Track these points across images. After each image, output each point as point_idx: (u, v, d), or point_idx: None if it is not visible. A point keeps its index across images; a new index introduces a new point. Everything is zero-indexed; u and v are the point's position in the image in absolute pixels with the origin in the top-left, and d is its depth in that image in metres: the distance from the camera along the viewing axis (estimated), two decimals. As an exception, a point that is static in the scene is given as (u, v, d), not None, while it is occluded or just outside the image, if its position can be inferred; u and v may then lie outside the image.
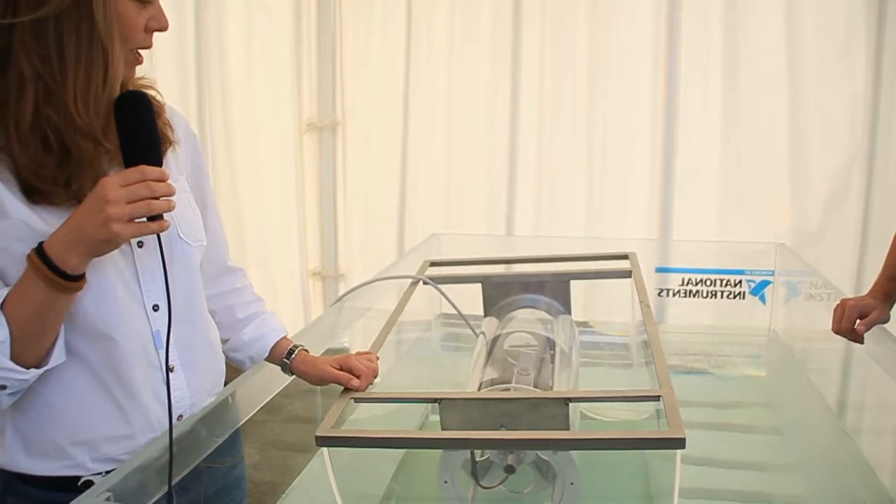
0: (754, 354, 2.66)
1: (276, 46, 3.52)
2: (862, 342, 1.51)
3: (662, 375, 1.10)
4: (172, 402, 1.05)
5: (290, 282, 3.69)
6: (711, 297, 2.67)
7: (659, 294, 2.71)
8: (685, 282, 2.70)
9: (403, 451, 1.76)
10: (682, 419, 0.95)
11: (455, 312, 1.70)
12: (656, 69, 3.19)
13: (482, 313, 1.82)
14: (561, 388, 1.33)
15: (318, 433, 1.05)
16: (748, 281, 2.62)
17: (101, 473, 1.02)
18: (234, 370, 1.27)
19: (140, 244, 1.02)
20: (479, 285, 1.83)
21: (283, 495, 1.68)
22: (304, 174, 3.71)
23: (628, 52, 3.21)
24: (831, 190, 3.09)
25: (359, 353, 1.28)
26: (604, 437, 0.99)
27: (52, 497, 1.01)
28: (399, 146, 3.54)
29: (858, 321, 1.50)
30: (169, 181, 0.94)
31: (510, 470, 1.15)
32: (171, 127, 1.09)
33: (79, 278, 0.91)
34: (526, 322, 1.71)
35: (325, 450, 1.13)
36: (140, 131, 0.95)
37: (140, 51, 1.00)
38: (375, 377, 1.24)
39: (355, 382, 1.19)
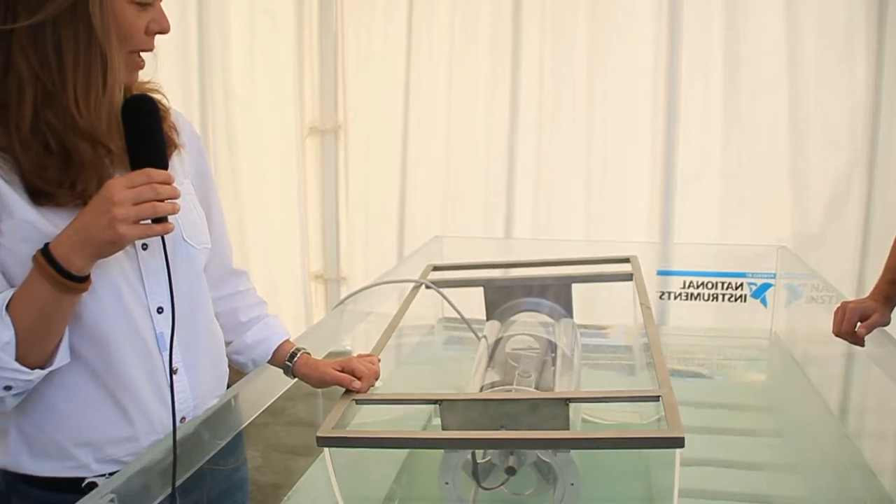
0: (755, 357, 2.66)
1: (279, 50, 3.53)
2: (862, 345, 1.51)
3: (662, 376, 1.11)
4: (176, 404, 1.06)
5: (292, 285, 3.70)
6: (713, 300, 2.68)
7: (661, 297, 2.72)
8: (686, 285, 2.70)
9: (405, 453, 1.77)
10: (681, 419, 0.95)
11: (457, 316, 1.70)
12: (657, 72, 3.19)
13: (484, 317, 1.83)
14: (562, 390, 1.33)
15: (320, 434, 1.06)
16: (749, 284, 2.62)
17: (104, 475, 1.02)
18: (236, 372, 1.28)
19: (145, 246, 1.03)
20: (482, 289, 1.83)
21: (286, 498, 1.69)
22: (307, 177, 3.72)
23: (628, 54, 3.22)
24: (832, 193, 3.09)
25: (360, 356, 1.28)
26: (603, 437, 1.00)
27: (55, 498, 1.02)
28: (400, 149, 3.55)
29: (859, 324, 1.50)
30: (174, 184, 0.95)
31: (511, 471, 1.16)
32: (176, 130, 1.10)
33: (84, 279, 0.92)
34: (528, 325, 1.71)
35: (327, 451, 1.14)
36: (146, 135, 0.96)
37: (143, 53, 1.01)
38: (377, 379, 1.24)
39: (357, 384, 1.20)
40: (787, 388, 2.34)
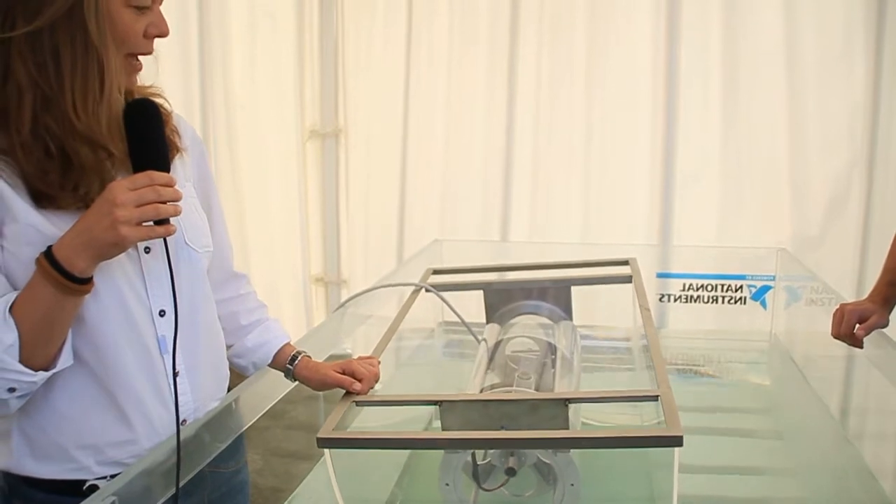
0: (755, 360, 2.66)
1: (279, 53, 3.54)
2: (861, 347, 1.51)
3: (661, 376, 1.11)
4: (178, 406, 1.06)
5: (292, 288, 3.70)
6: (712, 303, 2.68)
7: (660, 299, 2.72)
8: (686, 287, 2.70)
9: (406, 456, 1.77)
10: (680, 418, 0.96)
11: (457, 319, 1.71)
12: (655, 73, 3.19)
13: (484, 320, 1.83)
14: (562, 391, 1.34)
15: (320, 435, 1.06)
16: (749, 286, 2.63)
17: (106, 477, 1.03)
18: (237, 375, 1.28)
19: (147, 249, 1.03)
20: (482, 292, 1.84)
21: (287, 501, 1.69)
22: (307, 180, 3.73)
23: (627, 55, 3.22)
24: (832, 194, 3.09)
25: (361, 358, 1.29)
26: (603, 436, 1.00)
27: (57, 500, 1.02)
28: (400, 152, 3.56)
29: (858, 326, 1.50)
30: (176, 187, 0.96)
31: (511, 472, 1.16)
32: (178, 134, 1.11)
33: (86, 281, 0.93)
34: (527, 327, 1.72)
35: (327, 453, 1.14)
36: (148, 139, 0.97)
37: (142, 57, 1.01)
38: (377, 381, 1.25)
39: (357, 386, 1.20)
40: (786, 391, 2.34)
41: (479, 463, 1.19)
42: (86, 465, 1.02)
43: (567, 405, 1.07)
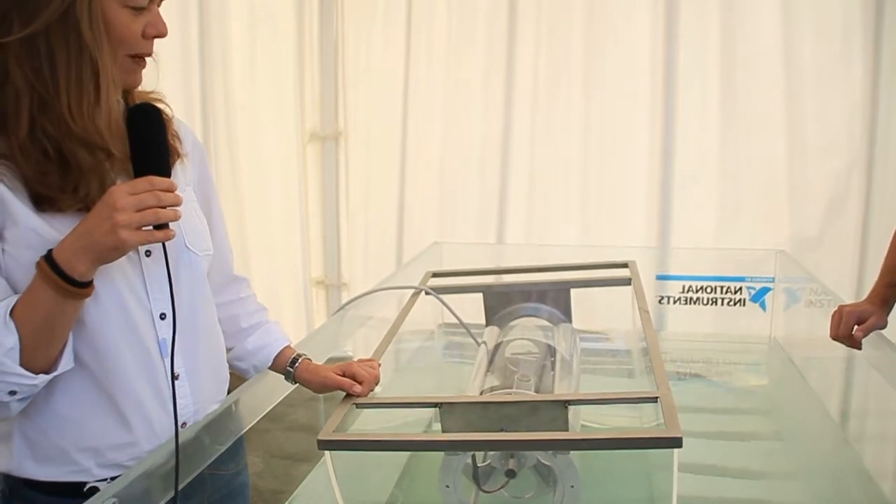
0: (755, 361, 2.67)
1: (279, 56, 3.55)
2: (860, 348, 1.51)
3: (660, 378, 1.11)
4: (177, 409, 1.06)
5: (293, 290, 3.71)
6: (712, 305, 2.68)
7: (660, 301, 2.72)
8: (686, 289, 2.71)
9: (406, 458, 1.77)
10: (679, 420, 0.96)
11: (457, 322, 1.71)
12: (653, 74, 3.20)
13: (484, 322, 1.83)
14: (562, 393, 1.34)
15: (321, 437, 1.06)
16: (748, 288, 2.63)
17: (106, 479, 1.03)
18: (237, 378, 1.28)
19: (148, 253, 1.04)
20: (481, 295, 1.84)
21: (287, 503, 1.69)
22: (307, 183, 3.74)
23: (625, 58, 3.23)
24: (830, 196, 3.09)
25: (361, 361, 1.29)
26: (602, 438, 1.00)
27: (58, 502, 1.03)
28: (400, 155, 3.57)
29: (856, 327, 1.50)
30: (176, 192, 0.96)
31: (511, 474, 1.16)
32: (179, 139, 1.11)
33: (87, 285, 0.93)
34: (527, 330, 1.72)
35: (327, 455, 1.14)
36: (150, 143, 0.97)
37: (145, 58, 1.02)
38: (377, 384, 1.25)
39: (357, 388, 1.20)
40: (786, 393, 2.34)
41: (479, 465, 1.19)
42: (86, 468, 1.03)
43: (567, 407, 1.07)
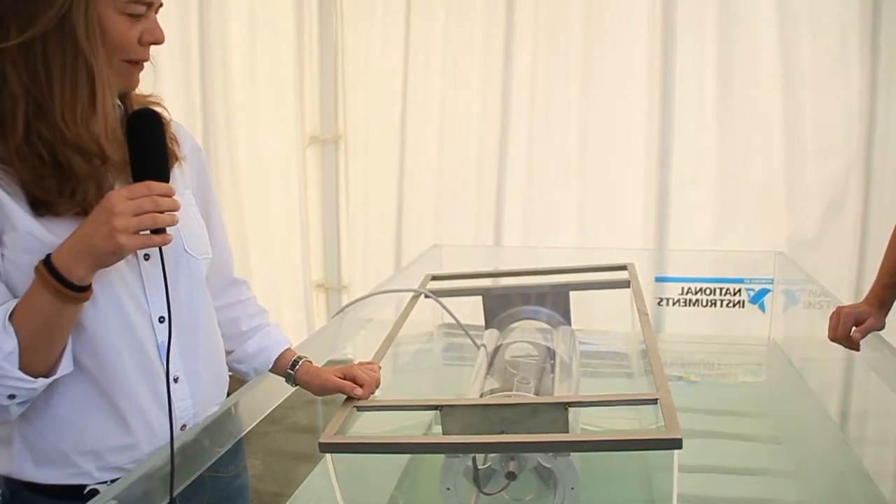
0: (754, 363, 2.67)
1: (279, 59, 3.56)
2: (858, 349, 1.52)
3: (660, 379, 1.12)
4: (176, 411, 1.07)
5: (293, 293, 3.71)
6: (711, 306, 2.69)
7: (659, 303, 2.73)
8: (685, 291, 2.71)
9: (406, 460, 1.77)
10: (679, 421, 0.96)
11: (457, 324, 1.71)
12: (651, 77, 3.20)
13: (483, 324, 1.83)
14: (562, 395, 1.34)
15: (322, 440, 1.06)
16: (747, 290, 2.64)
17: (106, 482, 1.03)
18: (236, 380, 1.28)
19: (146, 257, 1.04)
20: (480, 298, 1.84)
21: (286, 505, 1.69)
22: (308, 187, 3.74)
23: (622, 60, 3.23)
24: (829, 197, 3.09)
25: (361, 363, 1.29)
26: (603, 439, 1.01)
27: (58, 505, 1.03)
28: (399, 158, 3.57)
29: (854, 328, 1.51)
30: (175, 196, 0.97)
31: (511, 477, 1.16)
32: (177, 143, 1.11)
33: (85, 289, 0.93)
34: (526, 332, 1.72)
35: (328, 457, 1.14)
36: (149, 148, 0.97)
37: (142, 62, 1.02)
38: (378, 386, 1.25)
39: (358, 391, 1.21)
40: (785, 394, 2.35)
41: (479, 467, 1.19)
42: (86, 471, 1.03)
43: (567, 409, 1.08)
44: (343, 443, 1.08)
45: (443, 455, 1.19)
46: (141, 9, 0.98)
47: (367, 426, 1.40)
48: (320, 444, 1.07)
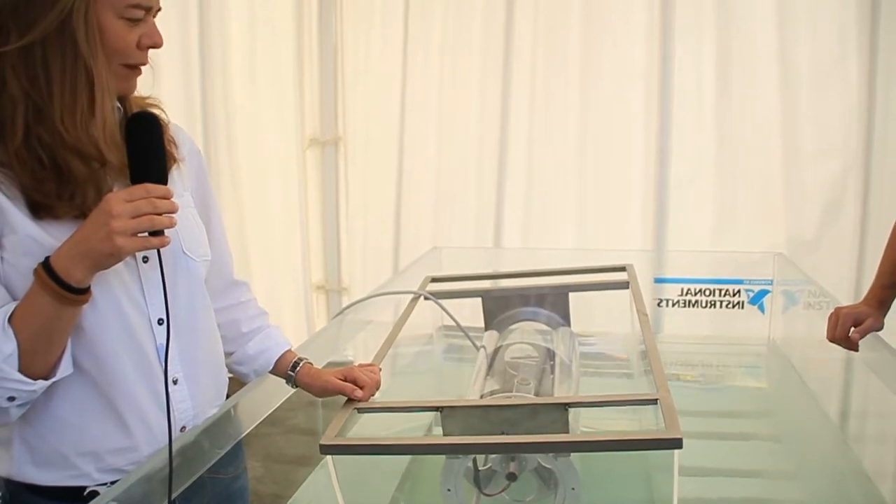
0: (754, 364, 2.67)
1: (279, 61, 3.56)
2: (856, 350, 1.52)
3: (659, 380, 1.12)
4: (175, 413, 1.07)
5: (293, 295, 3.71)
6: (710, 307, 2.69)
7: (658, 304, 2.73)
8: (684, 292, 2.71)
9: (407, 462, 1.77)
10: (679, 421, 0.97)
11: (456, 326, 1.71)
12: (650, 78, 3.21)
13: (483, 326, 1.84)
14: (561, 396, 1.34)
15: (323, 442, 1.06)
16: (747, 291, 2.64)
17: (106, 484, 1.03)
18: (236, 382, 1.28)
19: (145, 259, 1.04)
20: (480, 300, 1.84)
21: (286, 507, 1.69)
22: (308, 188, 3.74)
23: (621, 61, 3.24)
24: (827, 198, 3.10)
25: (361, 365, 1.29)
26: (603, 440, 1.01)
27: (58, 507, 1.03)
28: (397, 159, 3.57)
29: (853, 329, 1.51)
30: (173, 198, 0.97)
31: (512, 478, 1.16)
32: (175, 144, 1.12)
33: (84, 291, 0.94)
34: (526, 334, 1.72)
35: (329, 459, 1.14)
36: (148, 151, 0.98)
37: (141, 66, 1.03)
38: (378, 388, 1.25)
39: (359, 393, 1.21)
40: (785, 395, 2.35)
41: (480, 468, 1.19)
42: (86, 472, 1.03)
43: (567, 409, 1.08)
44: (344, 444, 1.08)
45: (443, 456, 1.19)
46: (140, 13, 0.98)
47: (368, 428, 1.40)
48: (321, 446, 1.07)
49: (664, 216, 3.24)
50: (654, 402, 1.05)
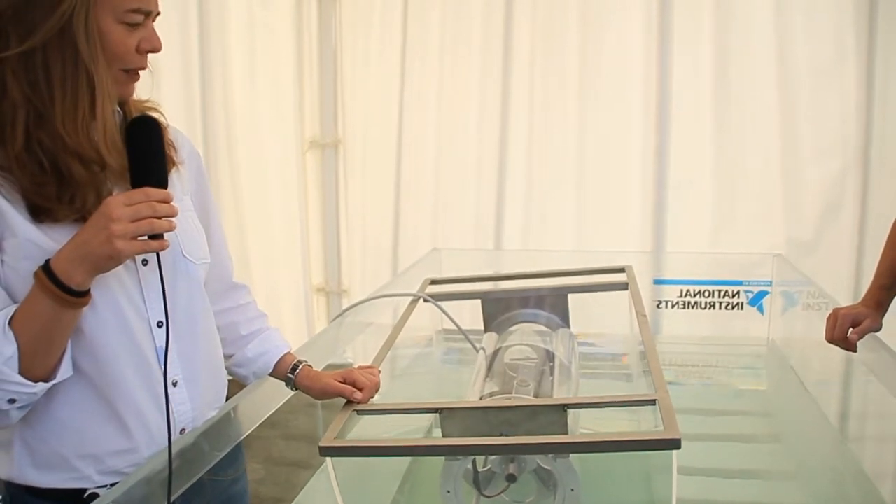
0: (753, 365, 2.67)
1: (279, 64, 3.57)
2: (855, 350, 1.52)
3: (658, 380, 1.12)
4: (175, 415, 1.07)
5: (294, 298, 3.71)
6: (710, 308, 2.69)
7: (658, 306, 2.73)
8: (684, 293, 2.72)
9: (406, 464, 1.77)
10: (677, 421, 0.97)
11: (456, 328, 1.72)
12: (648, 80, 3.21)
13: (482, 328, 1.84)
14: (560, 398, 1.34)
15: (322, 444, 1.07)
16: (746, 292, 2.64)
17: (106, 486, 1.04)
18: (236, 384, 1.29)
19: (145, 262, 1.05)
20: (479, 301, 1.84)
21: (287, 510, 1.69)
22: (308, 191, 3.75)
23: (619, 64, 3.24)
24: (826, 199, 3.10)
25: (361, 367, 1.29)
26: (601, 440, 1.01)
27: (59, 509, 1.03)
28: (396, 162, 3.58)
29: (851, 330, 1.51)
30: (173, 202, 0.97)
31: (511, 479, 1.16)
32: (174, 148, 1.12)
33: (84, 294, 0.94)
34: (525, 335, 1.72)
35: (329, 461, 1.15)
36: (148, 155, 0.98)
37: (139, 71, 1.03)
38: (377, 390, 1.25)
39: (358, 395, 1.21)
40: (784, 396, 2.35)
41: (479, 470, 1.20)
42: (86, 475, 1.03)
43: (566, 410, 1.08)
44: (343, 446, 1.08)
45: (443, 458, 1.19)
46: (139, 17, 0.99)
47: (368, 430, 1.41)
48: (320, 448, 1.07)
49: (663, 217, 3.24)
50: (652, 402, 1.05)
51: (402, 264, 3.52)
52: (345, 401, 1.22)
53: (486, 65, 3.39)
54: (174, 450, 1.01)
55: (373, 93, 3.59)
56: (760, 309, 2.63)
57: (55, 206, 0.96)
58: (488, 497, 1.19)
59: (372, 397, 1.23)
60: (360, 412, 1.19)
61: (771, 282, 2.60)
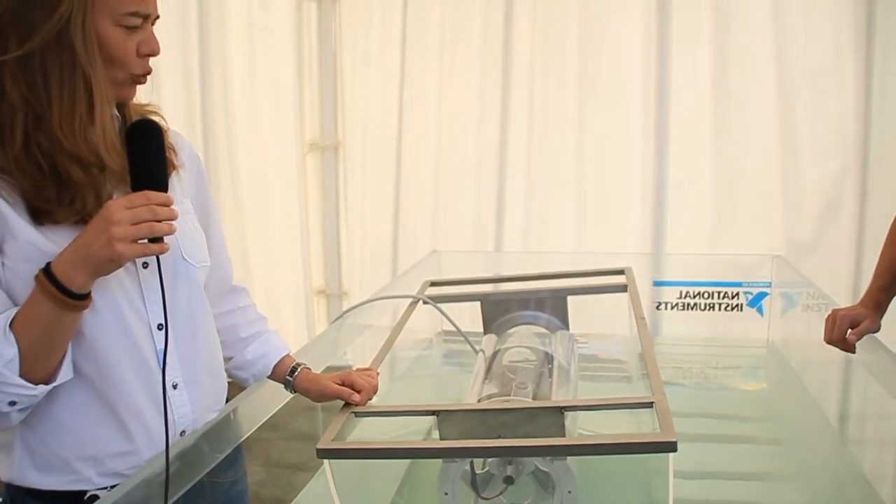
0: (753, 366, 2.67)
1: (279, 66, 3.57)
2: (854, 352, 1.52)
3: (655, 383, 1.12)
4: (175, 417, 1.08)
5: (294, 300, 3.72)
6: (709, 310, 2.69)
7: (657, 307, 2.73)
8: (683, 295, 2.72)
9: (405, 466, 1.78)
10: (674, 424, 0.97)
11: (455, 330, 1.72)
12: (647, 82, 3.21)
13: (482, 330, 1.84)
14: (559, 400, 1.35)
15: (319, 446, 1.07)
16: (745, 293, 2.64)
17: (106, 488, 1.04)
18: (235, 386, 1.29)
19: (145, 265, 1.05)
20: (479, 303, 1.85)
21: (286, 511, 1.70)
22: (308, 193, 3.75)
23: (618, 66, 3.24)
24: (825, 200, 3.09)
25: (359, 370, 1.30)
26: (598, 443, 1.01)
27: (59, 511, 1.04)
28: (396, 164, 3.58)
29: (850, 331, 1.52)
30: (173, 205, 0.98)
31: (509, 481, 1.17)
32: (174, 151, 1.13)
33: (84, 297, 0.95)
34: (524, 337, 1.73)
35: (327, 463, 1.15)
36: (148, 159, 0.99)
37: (143, 76, 1.04)
38: (375, 392, 1.26)
39: (356, 397, 1.21)
40: (784, 397, 2.35)
41: (477, 472, 1.20)
42: (87, 477, 1.04)
43: (563, 413, 1.08)
44: (340, 448, 1.08)
45: (441, 460, 1.19)
46: (137, 21, 0.99)
47: (367, 432, 1.41)
48: (318, 450, 1.08)
49: (662, 219, 3.24)
50: (649, 405, 1.05)
51: (401, 266, 3.52)
52: (343, 403, 1.22)
53: (485, 65, 3.40)
54: (174, 452, 1.02)
55: (372, 94, 3.60)
56: (760, 310, 2.63)
57: (55, 209, 0.96)
58: (486, 499, 1.19)
59: (370, 399, 1.24)
60: (357, 414, 1.20)
61: (770, 283, 2.60)
